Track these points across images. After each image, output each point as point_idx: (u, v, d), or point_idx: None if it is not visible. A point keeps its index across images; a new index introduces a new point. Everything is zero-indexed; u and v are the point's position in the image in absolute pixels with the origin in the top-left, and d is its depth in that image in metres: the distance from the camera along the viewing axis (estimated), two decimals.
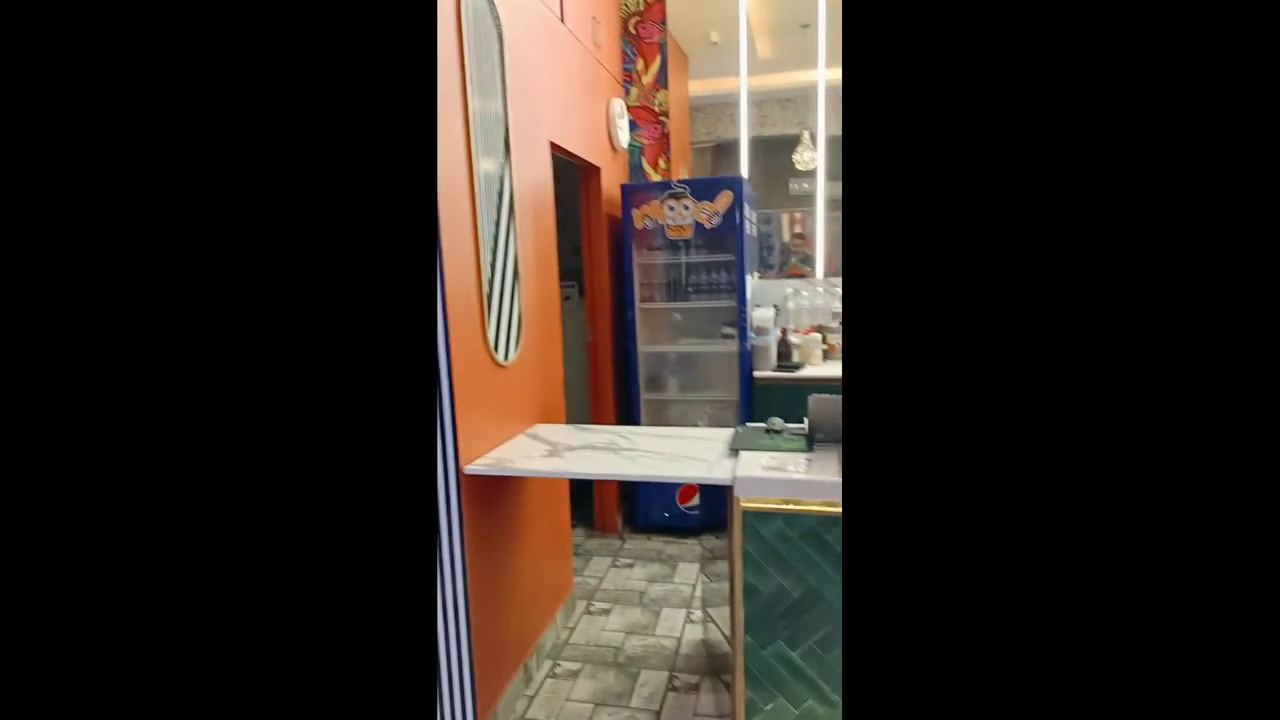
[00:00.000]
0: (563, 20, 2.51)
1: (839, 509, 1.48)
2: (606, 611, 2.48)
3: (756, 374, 2.90)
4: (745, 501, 1.53)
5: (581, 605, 2.53)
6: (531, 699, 1.99)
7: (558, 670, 2.13)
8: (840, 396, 1.72)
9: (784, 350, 2.95)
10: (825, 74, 3.46)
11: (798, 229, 5.73)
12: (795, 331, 3.07)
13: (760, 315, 2.97)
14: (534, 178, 2.20)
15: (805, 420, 1.79)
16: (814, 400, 1.70)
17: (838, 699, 1.53)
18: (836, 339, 3.05)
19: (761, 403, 2.82)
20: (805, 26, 3.53)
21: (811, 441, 1.74)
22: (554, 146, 2.40)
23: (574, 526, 2.87)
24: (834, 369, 2.92)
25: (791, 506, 1.51)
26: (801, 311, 3.17)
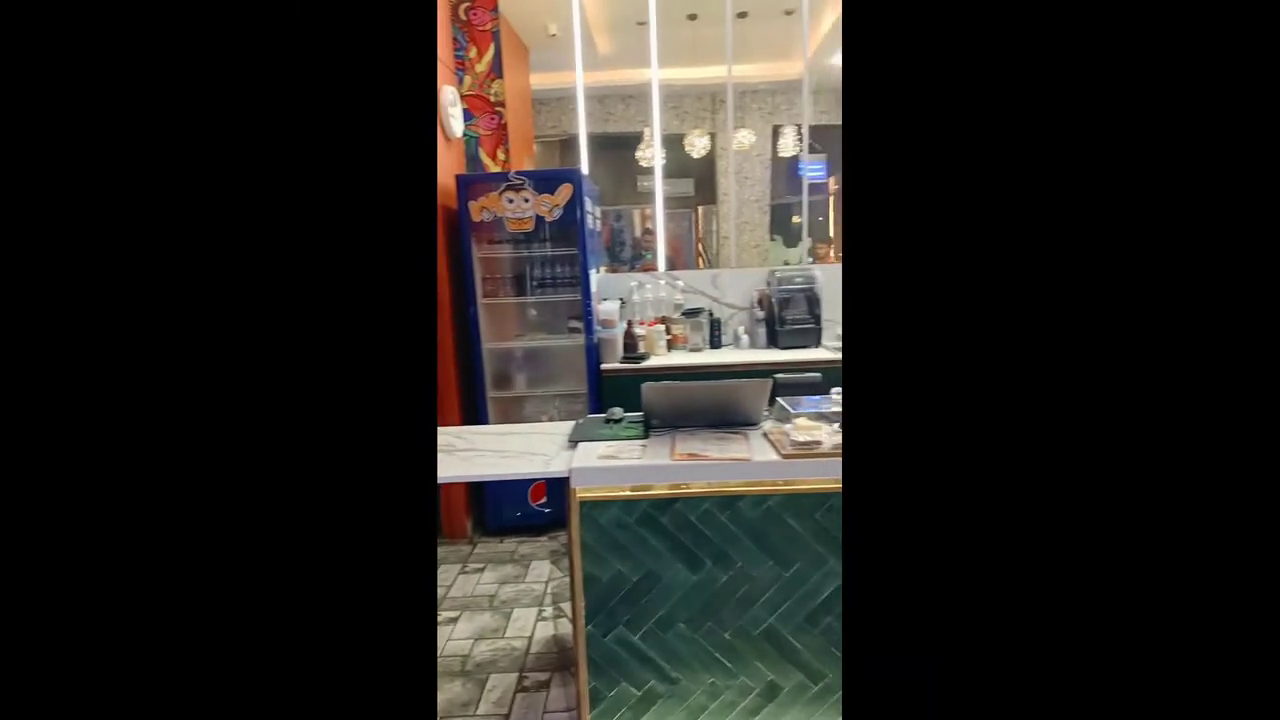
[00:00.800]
0: None
1: (677, 491, 1.52)
2: (454, 620, 2.37)
3: (604, 366, 2.92)
4: (582, 492, 1.53)
5: None
6: None
7: None
8: (671, 382, 1.77)
9: (630, 342, 3.00)
10: (659, 73, 3.55)
11: (648, 225, 5.87)
12: (640, 324, 3.13)
13: (606, 308, 3.00)
14: None
15: None
16: (646, 388, 1.73)
17: (678, 675, 1.58)
18: (679, 329, 3.15)
19: (610, 394, 2.85)
20: (641, 24, 3.61)
21: (648, 428, 1.78)
22: None
23: None
24: (678, 358, 3.02)
25: (628, 493, 1.53)
26: (646, 304, 3.24)
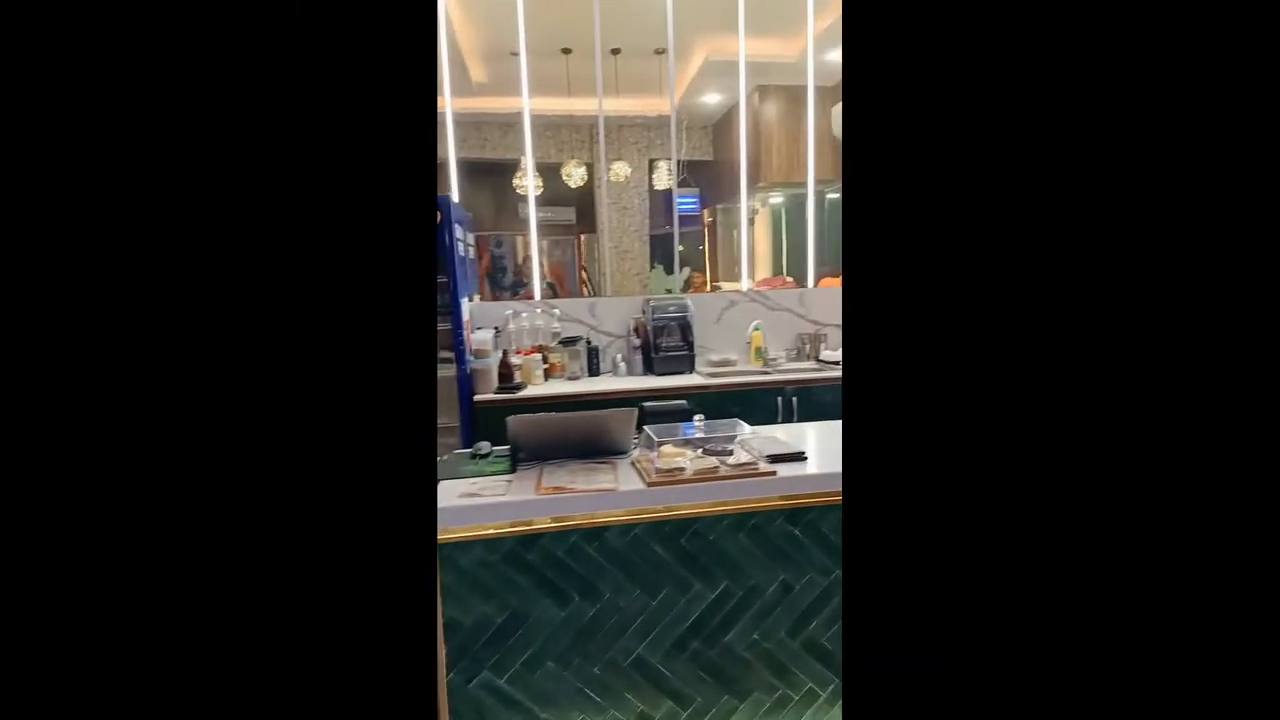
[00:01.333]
0: None
1: (542, 526, 1.49)
2: None
3: (477, 397, 2.84)
4: (441, 534, 1.46)
5: None
6: None
7: None
8: (538, 414, 1.75)
9: (505, 372, 2.95)
10: (534, 102, 3.57)
11: (529, 252, 5.82)
12: (517, 353, 3.08)
13: (480, 338, 2.93)
14: None
15: None
16: (513, 421, 1.70)
17: (546, 716, 1.54)
18: (557, 358, 3.13)
19: (485, 426, 2.77)
20: (514, 54, 3.62)
21: (515, 462, 1.74)
22: None
23: None
24: (556, 387, 3.00)
25: (491, 531, 1.48)
26: (522, 333, 3.20)
